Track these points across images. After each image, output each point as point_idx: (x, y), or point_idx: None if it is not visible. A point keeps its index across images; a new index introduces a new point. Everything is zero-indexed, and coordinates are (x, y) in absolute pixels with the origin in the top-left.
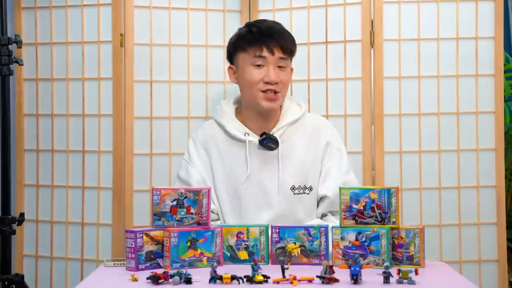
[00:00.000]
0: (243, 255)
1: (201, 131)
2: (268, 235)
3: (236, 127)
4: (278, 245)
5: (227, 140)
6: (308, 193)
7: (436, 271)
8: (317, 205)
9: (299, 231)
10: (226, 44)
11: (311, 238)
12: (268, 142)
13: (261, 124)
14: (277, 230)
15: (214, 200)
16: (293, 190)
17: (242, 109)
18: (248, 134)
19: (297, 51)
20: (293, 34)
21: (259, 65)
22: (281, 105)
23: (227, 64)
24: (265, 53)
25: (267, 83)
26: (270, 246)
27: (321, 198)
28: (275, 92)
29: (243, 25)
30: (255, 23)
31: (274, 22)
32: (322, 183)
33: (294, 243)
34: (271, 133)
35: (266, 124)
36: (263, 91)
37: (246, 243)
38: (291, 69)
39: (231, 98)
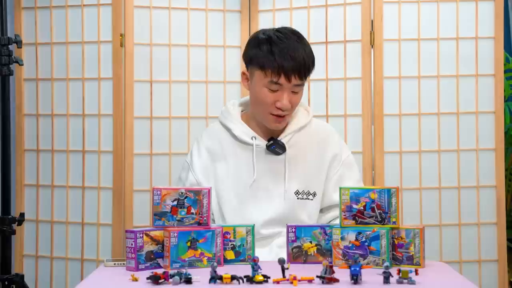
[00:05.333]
0: (230, 255)
1: (207, 134)
2: (254, 235)
3: (243, 131)
4: (295, 244)
5: (233, 143)
6: (311, 199)
7: (436, 271)
8: (322, 211)
9: (315, 230)
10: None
11: (327, 237)
12: (276, 147)
13: (268, 129)
14: (293, 230)
15: (213, 202)
16: (297, 195)
17: (248, 112)
18: (255, 138)
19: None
20: None
21: (274, 90)
22: None
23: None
24: (282, 80)
25: (279, 108)
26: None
27: (331, 205)
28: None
29: (265, 33)
30: (278, 40)
31: (296, 38)
32: (334, 191)
33: (310, 242)
34: (279, 138)
35: (273, 130)
36: (273, 114)
37: (233, 243)
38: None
39: (237, 100)
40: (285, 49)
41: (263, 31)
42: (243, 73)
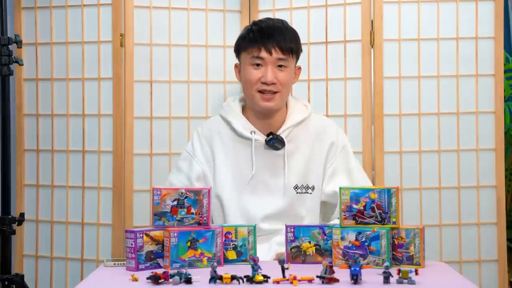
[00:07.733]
0: (232, 255)
1: (207, 125)
2: (256, 235)
3: (243, 125)
4: (293, 244)
5: (233, 137)
6: (310, 193)
7: (436, 271)
8: (320, 206)
9: (314, 230)
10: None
11: (325, 237)
12: (275, 142)
13: (267, 123)
14: (292, 230)
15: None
16: (296, 189)
17: (248, 107)
18: (255, 133)
19: (301, 50)
20: None
21: (258, 65)
22: (286, 105)
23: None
24: (263, 53)
25: (263, 83)
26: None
27: (329, 203)
28: (274, 92)
29: (250, 23)
30: (259, 22)
31: (278, 20)
32: (327, 184)
33: (309, 242)
34: (278, 133)
35: (272, 123)
36: (261, 91)
37: (234, 243)
38: (299, 68)
39: (237, 96)
40: (264, 26)
41: (250, 23)
42: (235, 66)
